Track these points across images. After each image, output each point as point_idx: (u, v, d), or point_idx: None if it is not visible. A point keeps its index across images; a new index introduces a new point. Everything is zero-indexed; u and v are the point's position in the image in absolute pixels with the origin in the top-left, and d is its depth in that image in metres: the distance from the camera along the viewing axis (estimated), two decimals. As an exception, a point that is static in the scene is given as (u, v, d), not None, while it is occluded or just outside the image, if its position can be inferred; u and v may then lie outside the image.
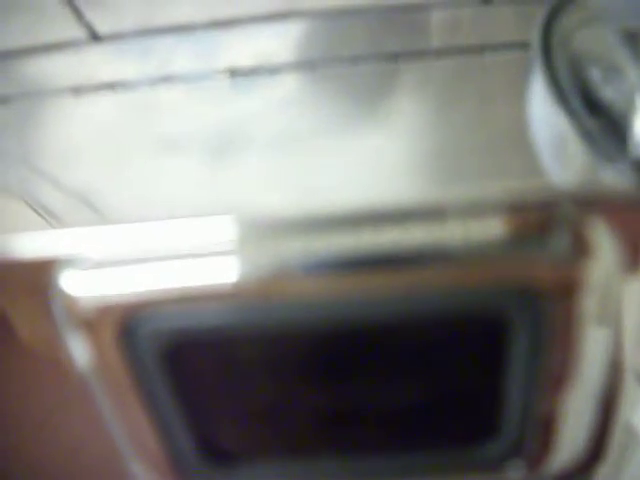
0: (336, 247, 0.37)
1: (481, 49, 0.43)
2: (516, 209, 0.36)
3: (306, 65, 0.45)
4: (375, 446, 0.47)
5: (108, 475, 0.53)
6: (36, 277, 0.39)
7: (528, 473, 0.45)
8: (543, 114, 0.38)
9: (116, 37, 0.47)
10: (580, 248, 0.36)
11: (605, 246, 0.36)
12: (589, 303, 0.37)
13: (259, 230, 0.38)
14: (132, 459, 0.47)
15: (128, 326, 0.39)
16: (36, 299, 0.40)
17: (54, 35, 0.47)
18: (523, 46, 0.41)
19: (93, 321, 0.39)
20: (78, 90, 0.46)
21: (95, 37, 0.47)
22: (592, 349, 0.39)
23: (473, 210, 0.36)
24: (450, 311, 0.38)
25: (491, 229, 0.36)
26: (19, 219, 0.40)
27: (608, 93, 0.36)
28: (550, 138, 0.37)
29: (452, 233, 0.36)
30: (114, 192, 0.41)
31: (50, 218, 0.40)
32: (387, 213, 0.37)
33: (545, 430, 0.43)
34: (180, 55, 0.46)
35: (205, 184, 0.40)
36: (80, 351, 0.41)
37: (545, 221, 0.36)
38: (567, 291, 0.36)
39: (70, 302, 0.39)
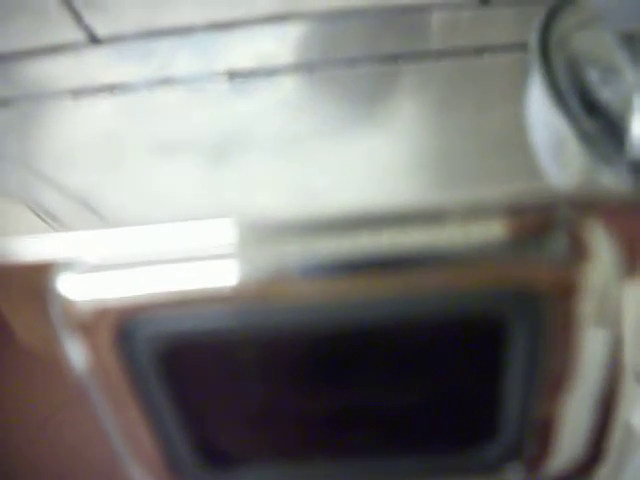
0: (335, 250, 0.37)
1: (480, 51, 0.43)
2: (514, 212, 0.36)
3: (305, 67, 0.45)
4: (373, 449, 0.47)
5: (108, 478, 0.53)
6: (34, 280, 0.39)
7: (527, 475, 0.45)
8: (541, 115, 0.38)
9: (115, 40, 0.47)
10: (578, 250, 0.36)
11: (603, 248, 0.36)
12: (587, 305, 0.37)
13: (257, 233, 0.38)
14: (129, 463, 0.47)
15: (125, 329, 0.39)
16: (34, 302, 0.40)
17: (54, 38, 0.47)
18: (522, 47, 0.41)
19: (90, 324, 0.39)
20: (78, 93, 0.46)
21: (94, 40, 0.47)
22: (591, 351, 0.39)
23: (471, 213, 0.36)
24: (448, 314, 0.38)
25: (489, 232, 0.36)
26: (18, 222, 0.40)
27: (606, 94, 0.36)
28: (548, 139, 0.37)
29: (450, 236, 0.36)
30: (113, 194, 0.41)
31: (50, 221, 0.40)
32: (385, 216, 0.37)
33: (544, 432, 0.43)
34: (179, 57, 0.46)
35: (204, 186, 0.40)
36: (77, 354, 0.41)
37: (543, 224, 0.36)
38: (565, 293, 0.36)
39: (67, 305, 0.39)
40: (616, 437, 0.44)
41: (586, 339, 0.38)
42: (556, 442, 0.43)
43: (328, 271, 0.37)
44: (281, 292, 0.38)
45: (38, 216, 0.40)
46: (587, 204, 0.36)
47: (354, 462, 0.47)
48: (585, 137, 0.35)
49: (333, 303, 0.38)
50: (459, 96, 0.42)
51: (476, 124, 0.40)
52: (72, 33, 0.47)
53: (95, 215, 0.40)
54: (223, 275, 0.38)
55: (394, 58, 0.44)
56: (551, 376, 0.40)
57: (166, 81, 0.45)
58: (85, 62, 0.47)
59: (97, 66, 0.47)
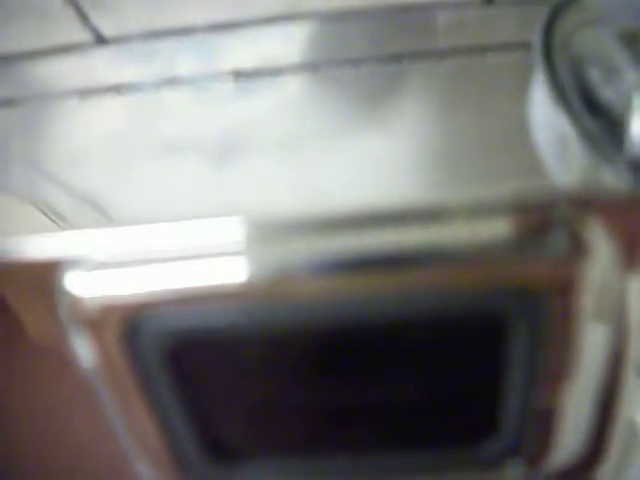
0: (340, 248, 0.37)
1: (484, 50, 0.43)
2: (515, 209, 0.36)
3: (309, 67, 0.45)
4: (375, 444, 0.47)
5: (114, 475, 0.53)
6: (42, 278, 0.40)
7: (528, 471, 0.45)
8: (544, 114, 0.38)
9: (121, 40, 0.47)
10: (577, 248, 0.36)
11: (602, 246, 0.36)
12: (586, 301, 0.37)
13: (263, 231, 0.38)
14: (136, 457, 0.47)
15: (132, 326, 0.39)
16: (43, 299, 0.40)
17: (60, 38, 0.48)
18: (525, 47, 0.41)
19: (97, 321, 0.40)
20: (84, 93, 0.46)
21: (101, 40, 0.47)
22: (590, 346, 0.39)
23: (473, 211, 0.36)
24: (450, 310, 0.39)
25: (490, 229, 0.36)
26: (25, 221, 0.41)
27: (608, 94, 0.36)
28: (551, 138, 0.38)
29: (452, 233, 0.36)
30: (120, 193, 0.41)
31: (57, 220, 0.40)
32: (390, 214, 0.37)
33: (544, 427, 0.43)
34: (184, 58, 0.46)
35: (210, 185, 0.40)
36: (85, 350, 0.41)
37: (543, 221, 0.36)
38: (564, 290, 0.37)
39: (75, 302, 0.39)
40: (619, 434, 0.45)
41: (585, 335, 0.38)
42: (557, 437, 0.43)
43: (334, 269, 0.37)
44: (287, 289, 0.38)
45: (45, 215, 0.40)
46: (587, 202, 0.36)
47: (356, 457, 0.48)
48: (587, 136, 0.35)
49: (338, 300, 0.38)
50: (463, 95, 0.42)
51: (480, 123, 0.40)
52: (78, 34, 0.47)
53: (102, 214, 0.40)
54: (229, 273, 0.38)
55: (398, 58, 0.44)
56: (551, 371, 0.40)
57: (172, 81, 0.46)
58: (91, 62, 0.47)
59: (103, 66, 0.47)
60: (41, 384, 0.48)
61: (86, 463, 0.54)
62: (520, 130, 0.39)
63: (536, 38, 0.39)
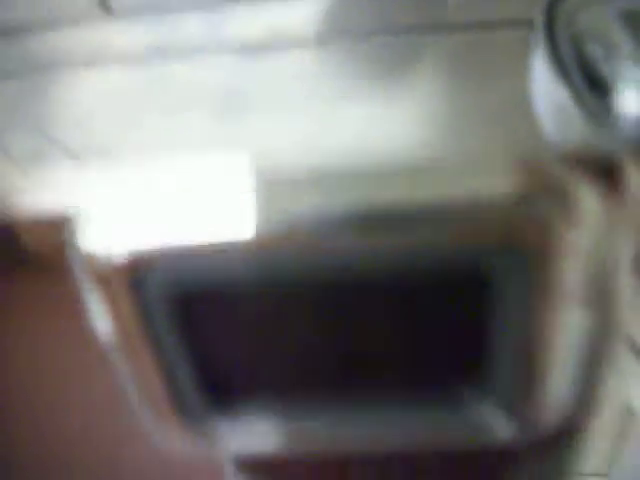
0: (344, 204, 0.38)
1: (491, 25, 0.43)
2: (509, 170, 0.37)
3: (320, 39, 0.45)
4: (368, 400, 0.48)
5: (115, 461, 0.54)
6: (52, 234, 0.40)
7: (517, 432, 0.46)
8: (545, 87, 0.38)
9: (127, 10, 0.47)
10: (569, 209, 0.37)
11: (593, 208, 0.37)
12: (575, 265, 0.38)
13: (269, 188, 0.39)
14: (140, 408, 0.48)
15: (140, 278, 0.40)
16: (54, 255, 0.41)
17: (67, 9, 0.48)
18: (531, 24, 0.41)
19: (106, 273, 0.40)
20: (90, 62, 0.46)
21: (107, 10, 0.47)
22: (577, 310, 0.40)
23: (469, 170, 0.37)
24: (440, 269, 0.39)
25: (485, 188, 0.37)
26: (33, 182, 0.41)
27: (606, 69, 0.37)
28: (551, 110, 0.38)
29: (448, 192, 0.37)
30: (125, 153, 0.42)
31: (64, 181, 0.41)
32: (389, 173, 0.38)
33: (534, 388, 0.43)
34: (192, 27, 0.47)
35: (215, 144, 0.41)
36: (96, 303, 0.42)
37: (536, 182, 0.37)
38: (554, 250, 0.37)
39: (84, 256, 0.40)
40: (613, 416, 0.45)
41: (573, 295, 0.39)
42: (545, 397, 0.43)
43: (337, 225, 0.38)
44: (292, 244, 0.39)
45: (50, 178, 0.41)
46: (580, 165, 0.37)
47: (346, 414, 0.48)
48: (585, 108, 0.36)
49: (340, 255, 0.39)
50: (470, 68, 0.43)
51: (484, 93, 0.41)
52: (85, 3, 0.47)
53: (106, 172, 0.41)
54: (235, 227, 0.39)
55: (408, 30, 0.44)
56: (539, 333, 0.41)
57: (179, 50, 0.46)
58: (98, 32, 0.48)
59: (110, 36, 0.47)
60: (39, 372, 0.49)
61: (85, 453, 0.55)
62: (523, 102, 0.39)
63: (539, 15, 0.39)
